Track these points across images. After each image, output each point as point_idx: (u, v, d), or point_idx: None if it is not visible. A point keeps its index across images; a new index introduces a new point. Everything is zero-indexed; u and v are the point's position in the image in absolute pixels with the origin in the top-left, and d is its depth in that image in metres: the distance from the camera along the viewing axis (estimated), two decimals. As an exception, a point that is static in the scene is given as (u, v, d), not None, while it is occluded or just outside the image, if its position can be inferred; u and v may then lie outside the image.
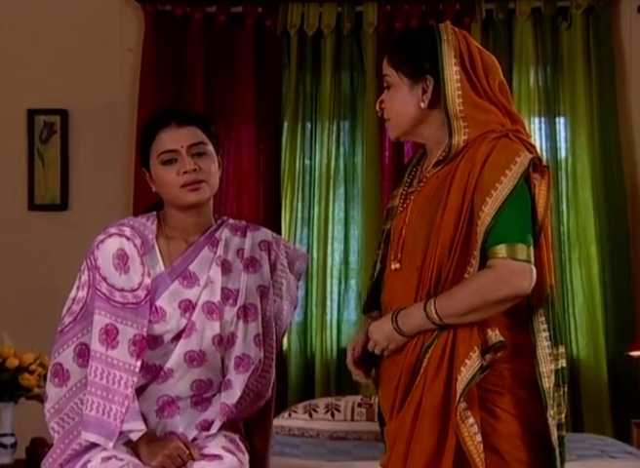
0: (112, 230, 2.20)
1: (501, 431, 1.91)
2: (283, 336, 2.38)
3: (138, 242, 2.18)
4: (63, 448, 2.14)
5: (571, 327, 4.19)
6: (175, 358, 2.15)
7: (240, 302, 2.19)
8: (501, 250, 1.88)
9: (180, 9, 4.33)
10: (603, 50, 4.28)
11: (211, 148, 2.19)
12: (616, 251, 4.19)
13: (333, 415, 3.72)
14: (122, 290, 2.14)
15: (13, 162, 4.37)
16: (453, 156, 1.98)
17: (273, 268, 2.26)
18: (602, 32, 4.28)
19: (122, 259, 2.16)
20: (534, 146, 2.01)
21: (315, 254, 4.29)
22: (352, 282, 4.31)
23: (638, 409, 4.07)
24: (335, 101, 4.36)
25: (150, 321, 2.13)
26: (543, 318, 1.93)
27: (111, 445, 2.07)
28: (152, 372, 2.16)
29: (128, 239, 2.18)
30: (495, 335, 1.89)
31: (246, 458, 2.15)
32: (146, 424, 2.11)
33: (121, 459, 2.07)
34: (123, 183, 4.31)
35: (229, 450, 2.12)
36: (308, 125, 4.39)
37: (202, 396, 2.19)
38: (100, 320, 2.12)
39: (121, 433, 2.08)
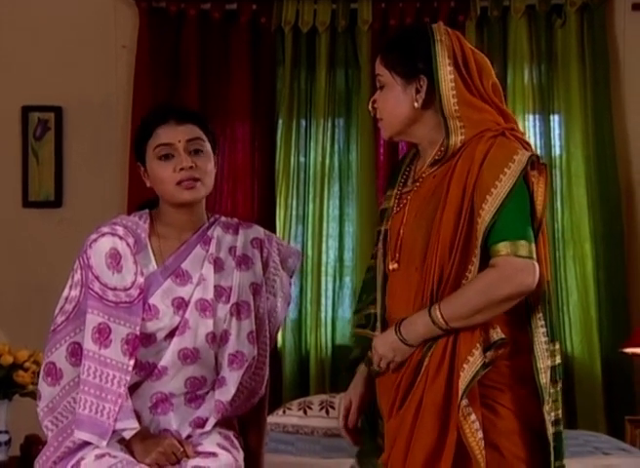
0: (105, 229, 2.19)
1: (501, 428, 1.92)
2: (277, 333, 2.38)
3: (131, 241, 2.17)
4: (57, 445, 2.14)
5: (565, 324, 4.20)
6: (168, 355, 2.15)
7: (233, 300, 2.19)
8: (503, 247, 1.88)
9: (175, 6, 4.32)
10: (597, 47, 4.28)
11: (208, 147, 2.19)
12: (610, 248, 4.20)
13: (327, 412, 3.73)
14: (115, 289, 2.14)
15: (7, 159, 4.36)
16: (450, 156, 1.98)
17: (265, 266, 2.26)
18: (596, 30, 4.29)
19: (115, 258, 2.16)
20: (529, 144, 2.02)
21: (310, 252, 4.30)
22: (347, 279, 4.32)
23: (632, 405, 4.08)
24: (329, 99, 4.37)
25: (143, 319, 2.13)
26: (541, 314, 1.94)
27: (104, 443, 2.07)
28: (146, 370, 2.16)
29: (121, 238, 2.17)
30: (496, 333, 1.89)
31: (240, 455, 2.15)
32: (140, 421, 2.11)
33: (114, 457, 2.06)
34: (117, 180, 4.31)
35: (224, 448, 2.12)
36: (303, 122, 4.40)
37: (196, 393, 2.19)
38: (93, 319, 2.12)
39: (114, 431, 2.08)
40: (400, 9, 4.32)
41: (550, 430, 1.92)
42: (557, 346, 1.97)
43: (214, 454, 2.09)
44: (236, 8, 4.34)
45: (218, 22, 4.34)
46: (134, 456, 2.09)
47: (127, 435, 2.10)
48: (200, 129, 2.19)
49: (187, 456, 2.09)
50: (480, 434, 1.86)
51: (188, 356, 2.15)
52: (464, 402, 1.86)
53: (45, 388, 2.16)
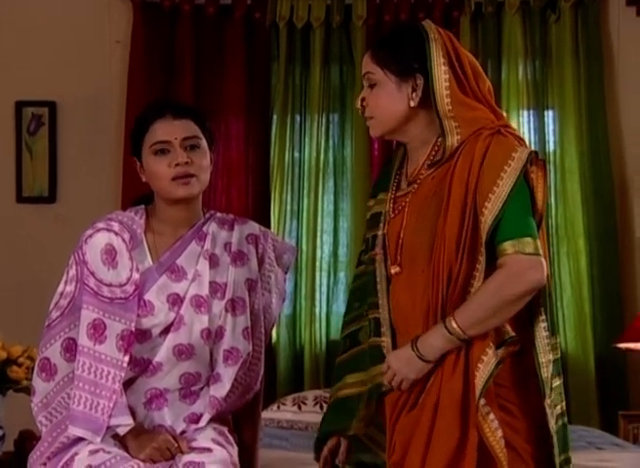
0: (100, 225, 2.19)
1: (516, 426, 1.93)
2: (272, 329, 2.38)
3: (126, 237, 2.17)
4: (51, 440, 2.14)
5: (559, 319, 4.20)
6: (163, 352, 2.15)
7: (228, 296, 2.19)
8: (509, 246, 1.89)
9: (169, 1, 4.31)
10: (591, 43, 4.28)
11: (204, 143, 2.19)
12: (603, 244, 4.21)
13: (322, 408, 3.73)
14: (110, 285, 2.13)
15: (0, 154, 4.35)
16: (448, 157, 1.97)
17: (261, 262, 2.26)
18: (590, 25, 4.29)
19: (110, 254, 2.16)
20: (523, 140, 2.02)
21: (304, 247, 4.30)
22: (341, 275, 4.32)
23: (625, 400, 4.09)
24: (324, 94, 4.36)
25: (139, 315, 2.13)
26: (542, 308, 1.95)
27: (99, 439, 2.07)
28: (141, 366, 2.16)
29: (116, 234, 2.17)
30: (507, 331, 1.90)
31: (235, 451, 2.15)
32: (134, 417, 2.11)
33: (109, 452, 2.07)
34: (112, 176, 4.30)
35: (218, 443, 2.12)
36: (297, 118, 4.39)
37: (190, 389, 2.19)
38: (88, 315, 2.12)
39: (108, 428, 2.08)
40: (395, 4, 4.32)
41: (552, 423, 1.93)
42: (557, 340, 1.99)
43: (208, 450, 2.10)
44: (230, 3, 4.33)
45: (212, 18, 4.33)
46: (128, 452, 2.09)
47: (121, 431, 2.10)
48: (196, 124, 2.19)
49: (182, 452, 2.10)
50: (500, 433, 1.87)
51: (183, 352, 2.16)
52: (482, 401, 1.87)
53: (39, 383, 2.16)
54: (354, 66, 4.32)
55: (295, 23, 4.34)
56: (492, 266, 1.91)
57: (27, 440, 3.28)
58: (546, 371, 1.93)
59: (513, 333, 1.91)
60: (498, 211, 1.89)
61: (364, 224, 2.16)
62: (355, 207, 4.28)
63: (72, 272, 2.18)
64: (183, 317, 2.15)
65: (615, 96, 4.29)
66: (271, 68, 4.37)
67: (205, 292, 2.18)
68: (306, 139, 4.38)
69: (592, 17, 4.29)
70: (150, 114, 2.19)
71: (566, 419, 1.99)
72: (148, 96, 4.14)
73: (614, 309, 4.17)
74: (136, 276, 2.14)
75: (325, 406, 3.70)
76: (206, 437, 2.13)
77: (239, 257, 2.23)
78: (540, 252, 1.90)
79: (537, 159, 1.96)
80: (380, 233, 2.04)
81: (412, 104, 1.99)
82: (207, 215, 2.26)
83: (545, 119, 4.32)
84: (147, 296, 2.15)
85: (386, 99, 2.01)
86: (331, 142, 4.38)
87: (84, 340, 2.11)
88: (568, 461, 1.99)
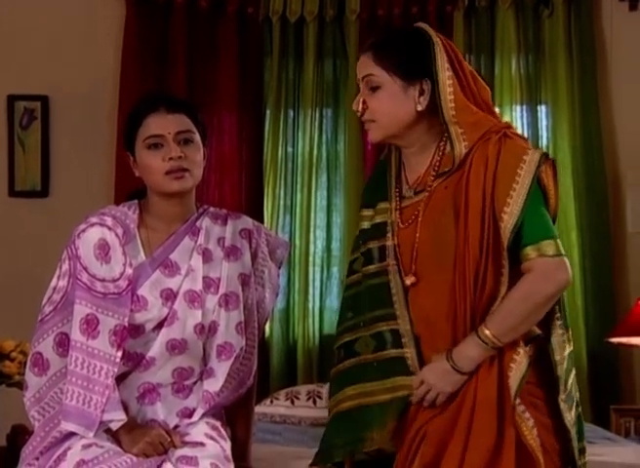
0: (94, 220, 2.18)
1: (544, 422, 1.94)
2: (265, 324, 2.38)
3: (119, 231, 2.17)
4: (44, 435, 2.13)
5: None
6: (157, 347, 2.15)
7: (221, 291, 2.19)
8: (532, 251, 1.92)
9: (162, -5, 4.30)
10: (585, 38, 4.29)
11: (197, 137, 2.19)
12: (596, 238, 4.21)
13: (315, 402, 3.73)
14: (103, 280, 2.13)
15: (-7, 148, 4.34)
16: (458, 165, 1.97)
17: (254, 256, 2.26)
18: (584, 20, 4.29)
19: (103, 249, 2.15)
20: (527, 140, 2.04)
21: (297, 242, 4.30)
22: (334, 269, 4.32)
23: (617, 395, 4.10)
24: (317, 89, 4.35)
25: (132, 310, 2.12)
26: (557, 306, 1.98)
27: (91, 434, 2.07)
28: (134, 361, 2.16)
29: (109, 229, 2.17)
30: (533, 329, 1.94)
31: (228, 445, 2.16)
32: (127, 411, 2.11)
33: (101, 446, 2.06)
34: (104, 170, 4.29)
35: (211, 437, 2.12)
36: (291, 112, 4.39)
37: (183, 383, 2.19)
38: (81, 310, 2.11)
39: (101, 423, 2.08)
40: (388, -1, 4.31)
41: (569, 417, 1.96)
42: (570, 333, 2.02)
43: (201, 444, 2.10)
44: (223, -3, 4.33)
45: (205, 12, 4.32)
46: (121, 446, 2.09)
47: (114, 426, 2.10)
48: (190, 119, 2.19)
49: (175, 446, 2.10)
50: (535, 431, 1.89)
51: (176, 347, 2.16)
52: (517, 400, 1.89)
53: (32, 378, 2.16)
54: (348, 61, 4.32)
55: (288, 18, 4.33)
56: (514, 270, 1.93)
57: (20, 434, 3.28)
58: (561, 369, 1.96)
59: (539, 331, 1.95)
60: (517, 217, 1.91)
61: (357, 219, 2.15)
62: (348, 202, 4.28)
63: (65, 267, 2.17)
64: (177, 312, 2.15)
65: (608, 90, 4.29)
66: (264, 63, 4.37)
67: (198, 287, 2.18)
68: (300, 134, 4.37)
69: (585, 12, 4.29)
70: (144, 108, 2.19)
71: (580, 409, 2.02)
72: (141, 90, 4.13)
73: (606, 304, 4.18)
74: (129, 271, 2.14)
75: (318, 400, 3.74)
76: (199, 431, 2.13)
77: (232, 252, 2.23)
78: (562, 251, 1.94)
79: (546, 159, 1.97)
80: (389, 244, 2.02)
81: (419, 108, 1.98)
82: (200, 210, 2.26)
83: (538, 114, 4.33)
84: (141, 292, 2.15)
85: (391, 103, 1.98)
86: (324, 137, 4.38)
87: (77, 335, 2.11)
88: (583, 451, 2.01)
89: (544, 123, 4.34)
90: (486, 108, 2.02)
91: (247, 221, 2.29)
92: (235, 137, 4.34)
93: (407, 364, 1.97)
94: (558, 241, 1.95)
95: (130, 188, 2.33)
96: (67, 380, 2.10)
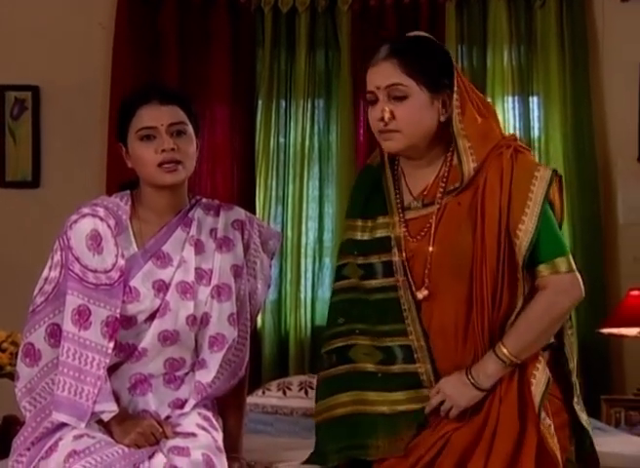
0: (86, 210, 2.18)
1: (562, 421, 1.99)
2: (257, 315, 2.38)
3: (111, 223, 2.16)
4: (35, 426, 2.13)
5: (542, 304, 4.23)
6: (149, 338, 2.14)
7: (214, 282, 2.19)
8: (545, 269, 1.97)
9: (154, -16, 4.28)
10: (576, 29, 4.29)
11: (190, 129, 2.18)
12: (587, 229, 4.22)
13: (306, 393, 3.73)
14: (95, 271, 2.12)
15: (-17, 139, 4.32)
16: (469, 181, 1.99)
17: (247, 247, 2.26)
18: (575, 11, 4.29)
19: (95, 240, 2.14)
20: (529, 150, 2.07)
21: (289, 233, 4.29)
22: (326, 260, 4.32)
23: (607, 385, 4.12)
24: (309, 79, 4.35)
25: (124, 301, 2.12)
26: (569, 316, 2.05)
27: (83, 425, 2.06)
28: (126, 352, 2.16)
29: (102, 220, 2.16)
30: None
31: (220, 436, 2.15)
32: (118, 402, 2.11)
33: (93, 437, 2.06)
34: (96, 161, 4.28)
35: (203, 428, 2.12)
36: (283, 103, 4.38)
37: (174, 374, 2.19)
38: (73, 300, 2.11)
39: (93, 414, 2.08)
40: (380, -11, 4.30)
41: (585, 417, 2.02)
42: (574, 330, 2.09)
43: (193, 435, 2.10)
44: (215, -13, 4.31)
45: (197, 2, 4.31)
46: (112, 437, 2.09)
47: (105, 417, 2.09)
48: (183, 110, 2.18)
49: (166, 437, 2.10)
50: (555, 437, 1.93)
51: (168, 338, 2.15)
52: (542, 414, 1.93)
53: (23, 369, 2.15)
54: (340, 51, 4.31)
55: (280, 8, 4.32)
56: (527, 283, 1.97)
57: (11, 425, 3.27)
58: (575, 376, 2.02)
59: (554, 339, 2.01)
60: (531, 235, 1.94)
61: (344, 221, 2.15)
62: (340, 192, 4.28)
63: (57, 257, 2.16)
64: (169, 303, 2.15)
65: (599, 82, 4.29)
66: (256, 53, 4.36)
67: (191, 278, 2.17)
68: (292, 125, 4.37)
69: (577, 3, 4.29)
70: (137, 99, 2.18)
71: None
72: (133, 80, 4.12)
73: (597, 293, 4.18)
74: (121, 262, 2.13)
75: (310, 391, 3.74)
76: (191, 422, 2.13)
77: (225, 243, 2.23)
78: (574, 267, 1.99)
79: (555, 175, 2.01)
80: (396, 259, 2.02)
81: (442, 119, 1.99)
82: (192, 201, 2.26)
83: (530, 105, 4.33)
84: (133, 283, 2.14)
85: (419, 114, 1.98)
86: (316, 128, 4.37)
87: (69, 326, 2.10)
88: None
89: (536, 114, 4.34)
90: (486, 112, 2.03)
91: (239, 212, 2.29)
92: (227, 128, 4.33)
93: (421, 379, 1.99)
94: (570, 257, 1.99)
95: (121, 179, 2.32)
96: (59, 371, 2.09)
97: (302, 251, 4.30)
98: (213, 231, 2.23)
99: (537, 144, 4.33)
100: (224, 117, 4.34)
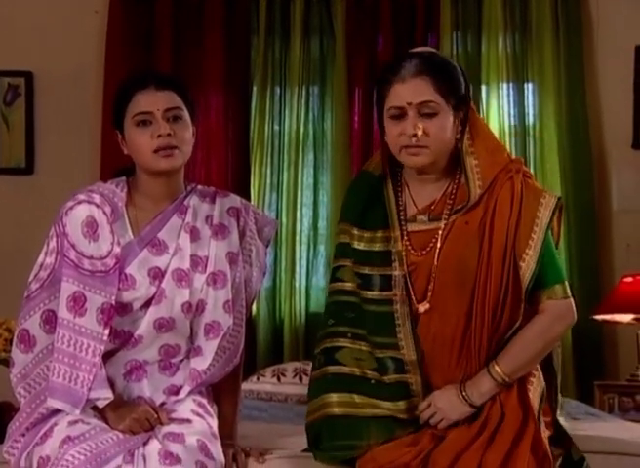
0: (81, 197, 2.17)
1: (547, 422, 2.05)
2: (252, 303, 2.38)
3: (107, 209, 2.16)
4: (30, 411, 2.13)
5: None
6: (144, 325, 2.14)
7: (209, 269, 2.19)
8: (545, 294, 2.05)
9: (148, -29, 4.26)
10: (571, 16, 4.28)
11: (186, 115, 2.18)
12: (581, 216, 4.23)
13: (301, 379, 3.74)
14: (91, 257, 2.12)
15: (-23, 125, 4.30)
16: (475, 201, 2.03)
17: (242, 235, 2.26)
18: (570, -1, 4.29)
19: (91, 227, 2.14)
20: (532, 176, 2.12)
21: (284, 220, 4.29)
22: (321, 248, 4.32)
23: (601, 371, 4.14)
24: (304, 67, 4.33)
25: (119, 288, 2.12)
26: None
27: (77, 412, 2.06)
28: (121, 338, 2.16)
29: (97, 206, 2.16)
30: None
31: (215, 422, 2.16)
32: (113, 389, 2.11)
33: (88, 423, 2.06)
34: (90, 148, 4.27)
35: (198, 414, 2.13)
36: (277, 90, 4.37)
37: (169, 361, 2.20)
38: (68, 287, 2.11)
39: (88, 400, 2.08)
40: (375, -24, 4.29)
41: (567, 425, 2.10)
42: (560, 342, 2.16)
43: (188, 421, 2.10)
44: (210, -26, 4.29)
45: (191, -12, 4.29)
46: (107, 423, 2.09)
47: (100, 404, 2.09)
48: (179, 96, 2.17)
49: (161, 423, 2.10)
50: (547, 432, 2.00)
51: (164, 325, 2.16)
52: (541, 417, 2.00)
53: (18, 355, 2.15)
54: (334, 39, 4.30)
55: (274, -5, 4.30)
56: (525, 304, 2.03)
57: (6, 411, 3.28)
58: (558, 391, 2.08)
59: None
60: (535, 262, 2.00)
61: (337, 220, 2.17)
62: (335, 180, 4.28)
63: (52, 244, 2.16)
64: (165, 290, 2.15)
65: (594, 69, 4.29)
66: (251, 41, 4.34)
67: (186, 265, 2.17)
68: (286, 112, 4.36)
69: (572, -10, 4.29)
70: (133, 85, 2.18)
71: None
72: (127, 66, 4.10)
73: (591, 281, 4.20)
74: (117, 249, 2.13)
75: (304, 377, 3.75)
76: (186, 408, 2.14)
77: (220, 231, 2.23)
78: (569, 292, 2.08)
79: (558, 201, 2.07)
80: (397, 273, 2.05)
81: (457, 137, 2.05)
82: (188, 189, 2.25)
83: (525, 92, 4.32)
84: (128, 270, 2.14)
85: (446, 131, 2.04)
86: (311, 115, 4.36)
87: (64, 313, 2.10)
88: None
89: (531, 101, 4.34)
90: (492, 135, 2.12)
91: (235, 200, 2.29)
92: (222, 115, 4.32)
93: (410, 389, 2.03)
94: (566, 283, 2.07)
95: (116, 166, 2.32)
96: (54, 358, 2.09)
97: (297, 238, 4.30)
98: (208, 218, 2.23)
99: (531, 131, 4.33)
100: (219, 104, 4.32)
